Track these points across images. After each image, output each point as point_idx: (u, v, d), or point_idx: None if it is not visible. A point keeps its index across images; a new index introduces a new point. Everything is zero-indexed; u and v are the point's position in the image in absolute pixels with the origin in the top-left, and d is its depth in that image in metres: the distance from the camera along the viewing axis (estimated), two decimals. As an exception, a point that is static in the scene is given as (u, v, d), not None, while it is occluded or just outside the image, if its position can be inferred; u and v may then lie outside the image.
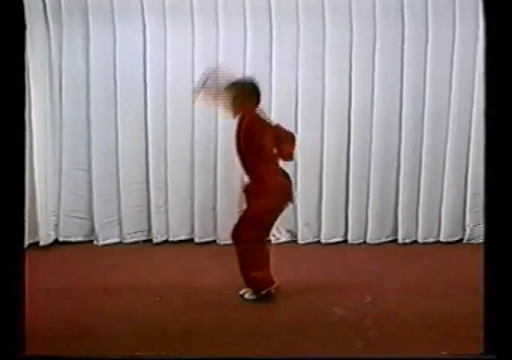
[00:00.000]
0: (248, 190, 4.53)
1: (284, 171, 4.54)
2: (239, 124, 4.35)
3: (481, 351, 2.51)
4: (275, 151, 4.44)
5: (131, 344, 3.71)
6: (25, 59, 2.46)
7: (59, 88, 5.92)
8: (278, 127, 4.46)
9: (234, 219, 6.06)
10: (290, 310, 4.33)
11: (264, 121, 4.40)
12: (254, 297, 4.47)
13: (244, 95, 4.36)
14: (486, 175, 2.45)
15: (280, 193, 4.44)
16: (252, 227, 4.36)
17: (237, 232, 4.44)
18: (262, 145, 4.35)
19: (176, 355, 3.49)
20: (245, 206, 4.58)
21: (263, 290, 4.44)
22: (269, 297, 4.46)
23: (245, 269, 4.41)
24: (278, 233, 6.02)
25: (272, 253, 4.50)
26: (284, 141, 4.47)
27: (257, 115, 4.38)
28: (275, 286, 4.47)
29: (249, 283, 4.48)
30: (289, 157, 4.56)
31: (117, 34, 5.86)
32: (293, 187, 4.63)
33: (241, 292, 4.53)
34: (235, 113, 4.39)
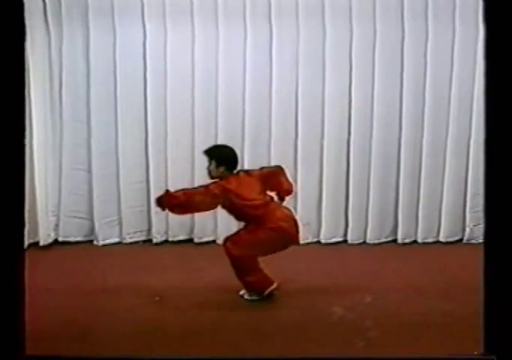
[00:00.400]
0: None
1: (290, 213, 4.56)
2: (223, 192, 4.32)
3: (481, 351, 2.50)
4: (272, 193, 4.54)
5: (130, 344, 3.72)
6: (26, 59, 2.44)
7: (59, 88, 5.92)
8: (261, 174, 4.53)
9: (233, 219, 6.10)
10: (289, 310, 4.33)
11: (245, 176, 4.46)
12: (254, 297, 4.48)
13: (218, 164, 4.40)
14: (486, 175, 2.45)
15: (282, 235, 4.43)
16: (244, 248, 4.37)
17: (228, 246, 4.45)
18: (255, 199, 4.39)
19: (175, 355, 3.48)
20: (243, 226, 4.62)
21: (264, 292, 4.45)
22: (269, 296, 4.47)
23: (240, 276, 4.43)
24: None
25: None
26: (275, 180, 4.59)
27: (234, 178, 4.40)
28: (275, 285, 4.47)
29: (248, 287, 4.49)
30: (289, 191, 4.68)
31: (117, 35, 5.86)
32: (299, 230, 4.59)
33: (241, 292, 4.53)
34: (212, 178, 4.45)
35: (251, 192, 4.39)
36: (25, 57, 2.42)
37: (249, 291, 4.50)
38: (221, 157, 4.43)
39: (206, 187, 4.36)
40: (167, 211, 4.57)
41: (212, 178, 4.45)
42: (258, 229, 4.39)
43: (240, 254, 4.34)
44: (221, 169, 4.39)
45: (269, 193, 4.57)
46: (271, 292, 4.48)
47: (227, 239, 4.56)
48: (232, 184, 4.34)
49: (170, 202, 4.42)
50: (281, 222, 4.40)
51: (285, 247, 4.48)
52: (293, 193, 4.85)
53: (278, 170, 4.71)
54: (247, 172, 4.57)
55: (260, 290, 4.46)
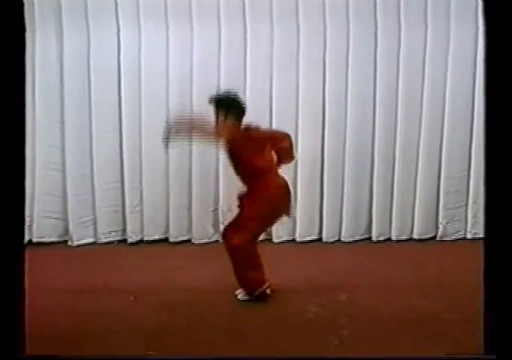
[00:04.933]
0: (243, 198, 4.45)
1: (284, 181, 4.51)
2: (231, 143, 4.24)
3: (481, 351, 2.51)
4: (275, 157, 4.46)
5: (105, 344, 3.70)
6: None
7: (32, 88, 5.86)
8: (272, 133, 4.47)
9: (209, 218, 6.10)
10: (265, 308, 4.33)
11: (256, 132, 4.33)
12: (246, 298, 4.45)
13: (227, 113, 4.23)
14: (487, 175, 2.46)
15: (275, 204, 4.39)
16: (242, 232, 4.30)
17: (227, 236, 4.42)
18: (260, 159, 4.30)
19: (174, 356, 3.49)
20: (237, 211, 4.53)
21: (256, 291, 4.42)
22: (264, 297, 4.44)
23: (238, 270, 4.37)
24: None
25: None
26: (283, 145, 4.48)
27: (247, 129, 4.30)
28: (266, 286, 4.45)
29: (243, 283, 4.45)
30: (290, 159, 4.63)
31: (91, 34, 5.84)
32: (292, 200, 4.61)
33: (236, 292, 4.50)
34: (221, 135, 4.24)
35: (260, 150, 4.29)
36: (25, 57, 2.41)
37: (241, 287, 4.45)
38: (234, 105, 4.26)
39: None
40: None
41: (218, 138, 4.28)
42: (250, 203, 4.33)
43: (240, 242, 4.26)
44: (230, 118, 4.20)
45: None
46: (265, 293, 4.44)
47: (224, 230, 4.54)
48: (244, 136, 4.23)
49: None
50: (275, 190, 4.36)
51: (278, 217, 4.48)
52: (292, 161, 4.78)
53: (287, 135, 4.57)
54: (257, 127, 4.38)
55: (252, 289, 4.42)
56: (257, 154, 4.28)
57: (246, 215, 4.37)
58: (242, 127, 4.30)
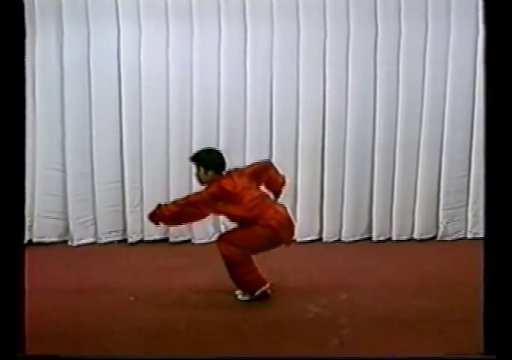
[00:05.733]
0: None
1: (284, 212, 4.52)
2: (212, 196, 4.31)
3: (481, 351, 2.51)
4: (262, 188, 4.53)
5: (105, 344, 3.70)
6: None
7: (32, 88, 5.86)
8: (252, 170, 4.52)
9: (209, 218, 6.09)
10: (265, 308, 4.34)
11: (234, 177, 4.39)
12: (246, 298, 4.46)
13: (207, 168, 4.37)
14: (487, 175, 2.45)
15: (275, 237, 4.38)
16: (235, 246, 4.33)
17: (221, 244, 4.44)
18: (245, 209, 4.31)
19: (174, 356, 3.48)
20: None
21: (256, 292, 4.42)
22: (265, 297, 4.45)
23: (233, 276, 4.40)
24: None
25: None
26: (266, 176, 4.57)
27: (226, 178, 4.36)
28: (268, 285, 4.46)
29: (241, 286, 4.47)
30: (281, 185, 4.68)
31: (91, 34, 5.84)
32: (294, 230, 4.61)
33: (237, 292, 4.51)
34: (202, 184, 4.44)
35: (248, 189, 4.36)
36: (25, 57, 2.41)
37: (240, 289, 4.48)
38: (209, 161, 4.40)
39: (199, 192, 4.39)
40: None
41: (202, 183, 4.43)
42: (251, 227, 4.35)
43: (231, 254, 4.31)
44: (210, 173, 4.36)
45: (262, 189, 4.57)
46: (266, 293, 4.46)
47: (220, 238, 4.57)
48: (228, 182, 4.31)
49: (162, 214, 4.39)
50: (273, 221, 4.35)
51: (276, 245, 4.46)
52: (287, 185, 4.81)
53: (267, 165, 4.72)
54: (237, 170, 4.52)
55: (252, 290, 4.44)
56: (247, 193, 4.33)
57: (245, 235, 4.40)
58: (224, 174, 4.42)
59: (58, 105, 5.96)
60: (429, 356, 3.48)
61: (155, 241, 6.16)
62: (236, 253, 4.31)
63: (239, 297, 4.49)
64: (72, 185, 6.06)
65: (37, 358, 2.86)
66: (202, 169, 4.38)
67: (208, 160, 4.41)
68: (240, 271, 4.37)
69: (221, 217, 6.06)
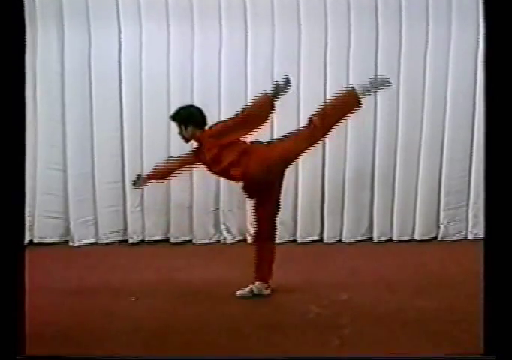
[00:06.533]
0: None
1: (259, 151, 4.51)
2: (198, 152, 4.36)
3: (481, 351, 2.51)
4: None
5: (107, 344, 3.70)
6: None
7: (33, 87, 5.87)
8: (232, 121, 4.41)
9: (210, 218, 6.09)
10: (266, 308, 4.33)
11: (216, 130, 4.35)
12: (246, 293, 4.49)
13: (186, 125, 4.35)
14: (487, 175, 2.45)
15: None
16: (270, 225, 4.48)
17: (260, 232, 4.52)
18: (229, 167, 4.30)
19: (174, 356, 3.48)
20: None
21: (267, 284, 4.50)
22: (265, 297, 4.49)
23: (264, 262, 4.48)
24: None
25: (248, 252, 4.53)
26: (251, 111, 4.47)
27: (209, 133, 4.33)
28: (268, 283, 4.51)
29: (263, 275, 4.51)
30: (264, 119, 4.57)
31: (92, 34, 5.86)
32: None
33: (237, 292, 4.53)
34: (188, 142, 4.46)
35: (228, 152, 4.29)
36: (25, 57, 2.42)
37: (259, 279, 4.49)
38: (185, 116, 4.38)
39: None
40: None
41: (187, 141, 4.44)
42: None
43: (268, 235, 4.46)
44: (190, 129, 4.33)
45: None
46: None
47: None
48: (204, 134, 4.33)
49: (148, 175, 4.68)
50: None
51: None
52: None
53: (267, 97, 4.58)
54: (225, 121, 4.46)
55: (267, 280, 4.50)
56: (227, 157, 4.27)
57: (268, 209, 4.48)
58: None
59: (59, 105, 5.97)
60: (429, 356, 3.48)
61: (155, 242, 6.16)
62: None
63: (238, 293, 4.49)
64: (73, 185, 6.07)
65: (37, 358, 2.86)
66: (182, 127, 4.36)
67: (185, 116, 4.38)
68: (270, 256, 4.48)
69: (222, 218, 6.09)
